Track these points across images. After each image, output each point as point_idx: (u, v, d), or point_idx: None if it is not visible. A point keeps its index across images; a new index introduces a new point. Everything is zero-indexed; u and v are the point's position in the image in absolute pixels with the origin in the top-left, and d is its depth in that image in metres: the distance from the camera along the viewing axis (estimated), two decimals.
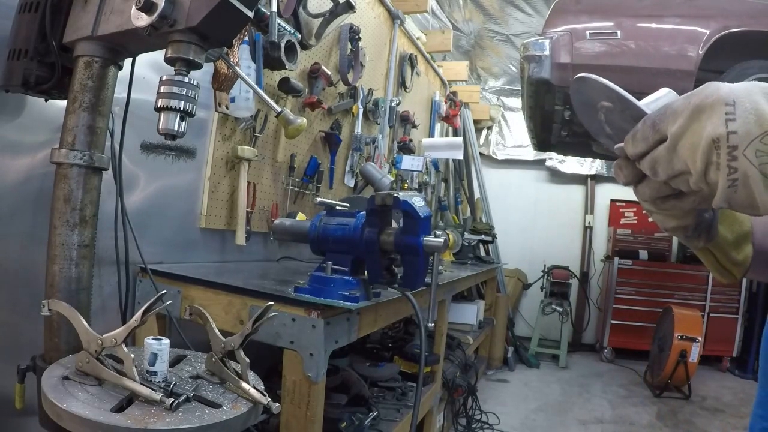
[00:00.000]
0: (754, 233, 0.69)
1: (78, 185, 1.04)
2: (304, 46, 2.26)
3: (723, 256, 0.67)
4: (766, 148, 0.42)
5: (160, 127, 0.94)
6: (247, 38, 1.88)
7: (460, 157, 3.98)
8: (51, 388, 0.81)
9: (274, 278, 1.71)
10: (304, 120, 1.38)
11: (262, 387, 0.93)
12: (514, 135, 6.33)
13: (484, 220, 5.52)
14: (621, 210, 6.05)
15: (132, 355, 0.84)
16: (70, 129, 1.04)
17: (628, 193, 5.95)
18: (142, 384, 0.83)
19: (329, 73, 2.50)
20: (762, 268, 0.71)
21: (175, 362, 1.02)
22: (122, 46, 1.06)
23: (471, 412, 3.21)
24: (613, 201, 6.06)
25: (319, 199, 1.40)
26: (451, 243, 3.95)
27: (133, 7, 0.88)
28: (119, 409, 0.79)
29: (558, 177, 6.25)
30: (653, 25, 2.93)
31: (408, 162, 3.41)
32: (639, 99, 0.53)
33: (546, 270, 5.42)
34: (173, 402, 0.80)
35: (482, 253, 4.80)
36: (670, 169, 0.48)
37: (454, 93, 4.92)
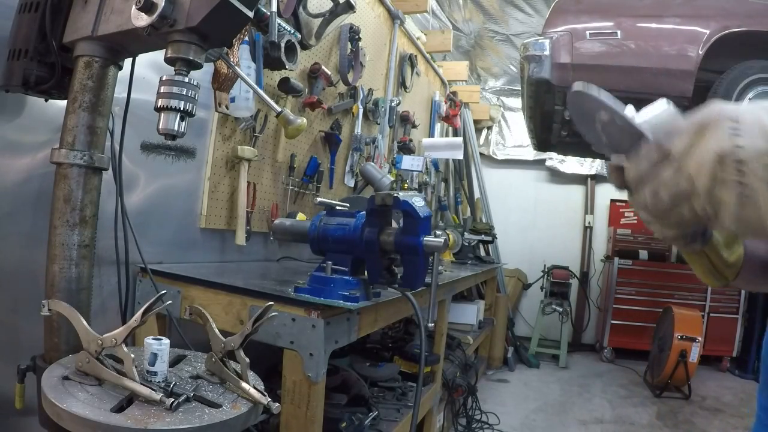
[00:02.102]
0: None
1: (78, 185, 1.04)
2: (304, 46, 2.26)
3: (716, 257, 0.67)
4: None
5: (160, 127, 0.94)
6: (247, 38, 1.88)
7: (460, 157, 3.98)
8: (51, 388, 0.81)
9: (274, 278, 1.71)
10: (304, 120, 1.38)
11: (262, 387, 0.93)
12: (514, 135, 6.33)
13: (484, 220, 5.52)
14: (621, 210, 6.04)
15: (132, 355, 0.84)
16: (70, 129, 1.04)
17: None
18: (142, 384, 0.83)
19: (329, 73, 2.50)
20: (750, 274, 0.72)
21: (175, 362, 1.02)
22: (122, 46, 1.06)
23: (471, 412, 3.21)
24: (613, 201, 6.06)
25: (319, 199, 1.40)
26: (451, 243, 3.95)
27: (133, 7, 0.88)
28: (119, 409, 0.79)
29: (558, 177, 6.25)
30: (653, 25, 2.93)
31: (408, 162, 3.41)
32: (638, 107, 0.51)
33: (546, 270, 5.42)
34: (173, 402, 0.80)
35: (482, 253, 4.80)
36: (675, 189, 0.46)
37: (454, 93, 4.92)
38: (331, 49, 2.66)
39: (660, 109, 0.52)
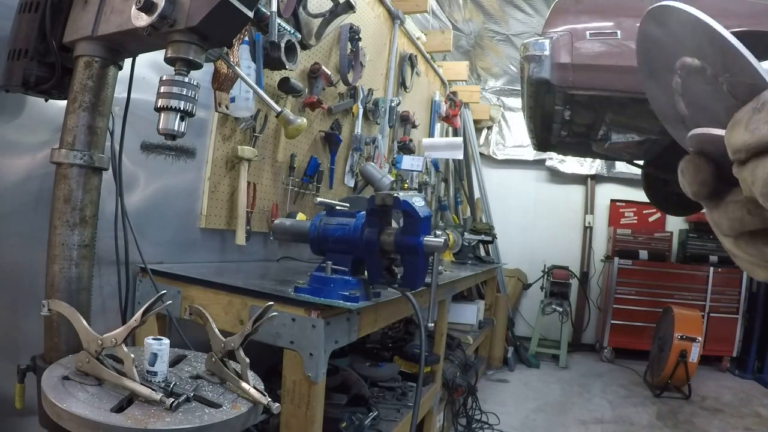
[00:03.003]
0: None
1: (78, 185, 1.04)
2: (304, 46, 2.26)
3: None
4: None
5: (160, 127, 0.94)
6: (247, 38, 1.88)
7: (460, 157, 3.98)
8: (51, 388, 0.81)
9: (274, 278, 1.71)
10: (304, 120, 1.38)
11: (262, 387, 0.93)
12: (514, 135, 6.33)
13: (484, 220, 5.52)
14: (621, 210, 6.05)
15: (132, 355, 0.84)
16: (70, 129, 1.04)
17: (627, 193, 5.97)
18: (142, 384, 0.83)
19: (329, 73, 2.50)
20: None
21: (175, 362, 1.02)
22: (122, 46, 1.06)
23: (471, 412, 3.20)
24: (613, 201, 6.06)
25: (319, 199, 1.40)
26: (451, 243, 3.95)
27: (133, 7, 0.88)
28: (119, 409, 0.79)
29: (558, 177, 6.25)
30: None
31: (408, 162, 3.41)
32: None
33: (546, 270, 5.42)
34: (173, 402, 0.80)
35: (482, 253, 4.80)
36: None
37: (454, 93, 4.92)
38: (331, 49, 2.66)
39: None
